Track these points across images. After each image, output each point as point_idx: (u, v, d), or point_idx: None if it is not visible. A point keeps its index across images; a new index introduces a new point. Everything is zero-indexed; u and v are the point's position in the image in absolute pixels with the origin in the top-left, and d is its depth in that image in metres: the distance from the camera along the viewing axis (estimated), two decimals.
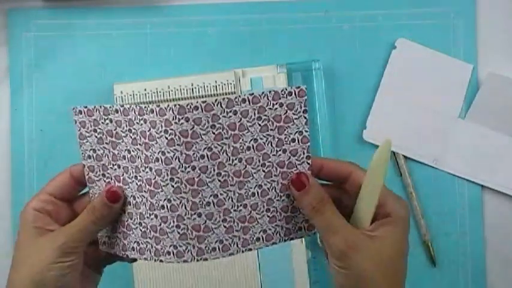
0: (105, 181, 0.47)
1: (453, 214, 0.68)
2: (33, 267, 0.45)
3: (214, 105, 0.43)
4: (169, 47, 0.68)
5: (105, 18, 0.68)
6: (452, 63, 0.68)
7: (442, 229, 0.67)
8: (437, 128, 0.67)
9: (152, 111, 0.43)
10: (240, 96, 0.44)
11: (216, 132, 0.44)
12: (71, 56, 0.68)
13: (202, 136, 0.43)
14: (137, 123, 0.44)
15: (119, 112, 0.45)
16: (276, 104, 0.44)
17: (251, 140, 0.45)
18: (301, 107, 0.45)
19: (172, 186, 0.44)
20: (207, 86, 0.66)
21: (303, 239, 0.65)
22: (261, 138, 0.45)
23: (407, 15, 0.69)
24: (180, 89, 0.66)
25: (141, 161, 0.45)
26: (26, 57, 0.68)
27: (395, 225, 0.44)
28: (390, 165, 0.68)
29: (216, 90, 0.66)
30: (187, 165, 0.44)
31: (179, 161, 0.43)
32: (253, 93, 0.44)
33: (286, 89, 0.44)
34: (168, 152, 0.43)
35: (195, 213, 0.44)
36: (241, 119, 0.44)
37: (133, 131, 0.45)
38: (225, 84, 0.66)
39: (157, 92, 0.66)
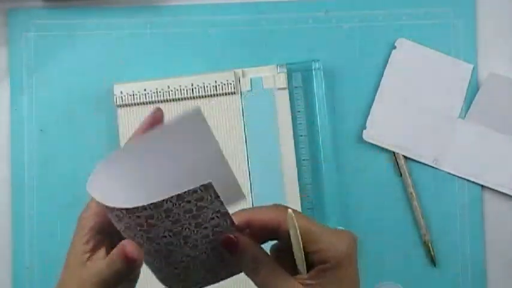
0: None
1: (453, 214, 0.68)
2: None
3: (164, 201, 0.41)
4: (169, 47, 0.68)
5: (105, 18, 0.68)
6: (452, 63, 0.68)
7: (442, 229, 0.67)
8: (437, 128, 0.67)
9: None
10: (139, 206, 0.41)
11: (125, 226, 0.43)
12: (71, 56, 0.68)
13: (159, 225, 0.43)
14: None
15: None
16: (183, 202, 0.42)
17: (165, 231, 0.43)
18: (211, 196, 0.42)
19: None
20: (207, 86, 0.66)
21: None
22: (176, 228, 0.43)
23: (407, 15, 0.69)
24: (180, 89, 0.66)
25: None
26: (26, 57, 0.68)
27: (334, 269, 0.41)
28: (390, 165, 0.68)
29: (216, 90, 0.66)
30: (151, 242, 0.44)
31: (143, 239, 0.43)
32: (153, 202, 0.41)
33: (190, 190, 0.41)
34: (130, 233, 0.44)
35: (171, 267, 0.45)
36: (147, 220, 0.42)
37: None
38: (225, 84, 0.66)
39: (157, 92, 0.66)
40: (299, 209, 0.66)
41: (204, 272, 0.46)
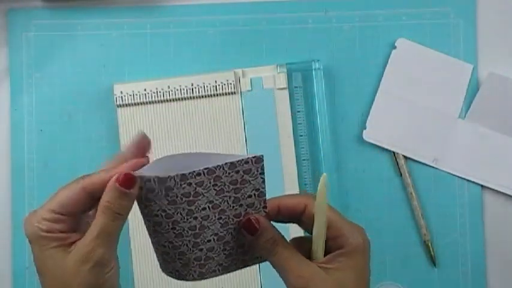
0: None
1: (453, 214, 0.68)
2: None
3: (168, 179, 0.44)
4: (169, 47, 0.68)
5: (105, 18, 0.68)
6: (452, 63, 0.68)
7: (442, 229, 0.67)
8: (437, 128, 0.67)
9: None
10: (194, 171, 0.45)
11: (170, 199, 0.45)
12: (71, 56, 0.68)
13: (157, 201, 0.45)
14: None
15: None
16: (232, 172, 0.46)
17: (206, 202, 0.46)
18: (257, 171, 0.46)
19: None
20: (207, 86, 0.66)
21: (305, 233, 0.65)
22: (216, 200, 0.46)
23: (407, 15, 0.69)
24: (180, 89, 0.66)
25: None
26: (26, 57, 0.68)
27: (350, 256, 0.43)
28: (390, 165, 0.68)
29: (216, 90, 0.66)
30: (189, 217, 0.46)
31: (181, 214, 0.46)
32: (208, 167, 0.45)
33: (243, 159, 0.45)
34: (168, 209, 0.46)
35: (196, 249, 0.47)
36: (195, 188, 0.45)
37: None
38: (225, 84, 0.66)
39: (157, 92, 0.66)
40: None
41: (223, 258, 0.48)
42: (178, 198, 0.45)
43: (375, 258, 0.67)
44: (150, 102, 0.66)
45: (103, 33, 0.68)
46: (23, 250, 0.66)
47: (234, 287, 0.66)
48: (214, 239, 0.48)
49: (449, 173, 0.68)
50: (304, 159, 0.66)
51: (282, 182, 0.66)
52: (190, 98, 0.66)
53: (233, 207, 0.47)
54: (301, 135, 0.66)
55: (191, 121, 0.67)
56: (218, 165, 0.45)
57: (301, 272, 0.43)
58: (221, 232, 0.47)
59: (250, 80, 0.67)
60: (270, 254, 0.44)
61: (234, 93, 0.66)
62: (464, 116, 0.68)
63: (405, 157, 0.67)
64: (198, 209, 0.46)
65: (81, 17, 0.68)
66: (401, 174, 0.67)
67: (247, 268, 0.65)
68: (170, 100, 0.66)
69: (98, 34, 0.68)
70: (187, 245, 0.47)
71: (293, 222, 0.47)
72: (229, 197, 0.47)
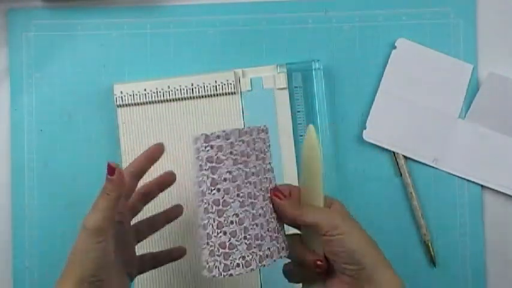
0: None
1: (453, 214, 0.68)
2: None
3: (231, 134, 0.48)
4: (169, 47, 0.68)
5: (105, 18, 0.68)
6: (452, 63, 0.68)
7: (442, 229, 0.67)
8: (437, 128, 0.67)
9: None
10: (251, 128, 0.50)
11: (233, 158, 0.48)
12: (71, 56, 0.68)
13: (224, 161, 0.48)
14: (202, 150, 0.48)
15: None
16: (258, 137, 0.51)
17: (252, 166, 0.50)
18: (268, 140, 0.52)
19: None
20: (207, 86, 0.66)
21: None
22: (258, 166, 0.51)
23: (407, 15, 0.69)
24: (180, 89, 0.66)
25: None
26: (26, 57, 0.68)
27: (354, 223, 0.51)
28: (390, 165, 0.68)
29: (216, 90, 0.66)
30: (213, 188, 0.48)
31: (206, 184, 0.47)
32: (249, 126, 0.50)
33: (257, 127, 0.51)
34: (198, 177, 0.48)
35: (219, 231, 0.48)
36: (246, 148, 0.49)
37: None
38: (225, 84, 0.66)
39: (157, 92, 0.66)
40: None
41: (245, 247, 0.48)
42: (238, 156, 0.49)
43: None
44: (150, 102, 0.66)
45: (103, 33, 0.68)
46: (23, 250, 0.66)
47: (234, 287, 0.66)
48: (261, 213, 0.50)
49: (449, 173, 0.68)
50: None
51: (282, 181, 0.66)
52: (190, 98, 0.66)
53: (264, 175, 0.51)
54: (301, 135, 0.66)
55: (191, 121, 0.67)
56: (261, 126, 0.51)
57: (328, 220, 0.49)
58: (264, 206, 0.50)
59: (250, 80, 0.67)
60: (294, 209, 0.50)
61: (234, 93, 0.66)
62: (464, 116, 0.68)
63: (405, 157, 0.67)
64: (249, 173, 0.50)
65: (81, 17, 0.68)
66: (401, 174, 0.67)
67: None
68: (170, 100, 0.66)
69: (98, 34, 0.68)
70: (248, 218, 0.49)
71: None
72: (263, 162, 0.51)
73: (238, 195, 0.48)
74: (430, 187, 0.68)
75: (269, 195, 0.51)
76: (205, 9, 0.68)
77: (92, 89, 0.68)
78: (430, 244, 0.67)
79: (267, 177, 0.51)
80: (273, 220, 0.51)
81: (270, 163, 0.52)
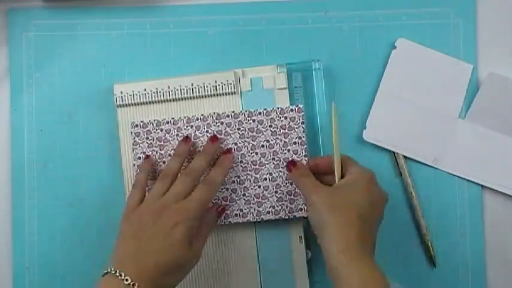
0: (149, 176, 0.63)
1: (453, 214, 0.68)
2: None
3: (240, 114, 0.64)
4: (169, 47, 0.68)
5: (105, 18, 0.68)
6: (452, 63, 0.68)
7: (442, 229, 0.67)
8: (437, 128, 0.67)
9: (197, 119, 0.64)
10: (257, 110, 0.64)
11: (240, 133, 0.64)
12: (71, 56, 0.68)
13: (231, 135, 0.64)
14: (185, 129, 0.65)
15: (169, 123, 0.64)
16: (282, 117, 0.64)
17: (264, 140, 0.64)
18: (300, 120, 0.64)
19: None
20: (207, 86, 0.66)
21: (303, 239, 0.65)
22: (272, 140, 0.64)
23: (407, 15, 0.69)
24: (180, 89, 0.66)
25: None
26: (26, 57, 0.68)
27: (349, 180, 0.59)
28: (390, 165, 0.68)
29: (216, 90, 0.66)
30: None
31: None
32: (266, 108, 0.64)
33: (289, 107, 0.64)
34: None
35: (223, 188, 0.64)
36: (258, 125, 0.64)
37: (180, 135, 0.65)
38: (225, 84, 0.66)
39: (157, 92, 0.66)
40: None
41: (275, 200, 0.64)
42: (246, 131, 0.64)
43: (375, 258, 0.67)
44: (150, 102, 0.66)
45: (103, 33, 0.68)
46: (23, 250, 0.66)
47: (235, 286, 0.66)
48: (269, 178, 0.64)
49: (449, 173, 0.68)
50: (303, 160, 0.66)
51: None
52: (190, 98, 0.66)
53: (283, 150, 0.64)
54: (273, 157, 0.66)
55: None
56: (273, 108, 0.64)
57: (315, 189, 0.59)
58: (274, 173, 0.64)
59: (250, 80, 0.67)
60: (295, 178, 0.62)
61: (234, 93, 0.66)
62: (464, 116, 0.68)
63: (405, 157, 0.67)
64: (259, 145, 0.64)
65: (81, 17, 0.68)
66: (401, 174, 0.67)
67: (247, 268, 0.66)
68: (170, 100, 0.66)
69: (98, 34, 0.68)
70: (249, 180, 0.64)
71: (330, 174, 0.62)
72: (280, 140, 0.64)
73: (273, 158, 0.64)
74: (430, 187, 0.68)
75: (285, 164, 0.63)
76: (205, 9, 0.68)
77: (92, 89, 0.68)
78: (430, 244, 0.67)
79: (289, 149, 0.63)
80: (289, 185, 0.64)
81: (298, 138, 0.63)
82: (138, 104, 0.66)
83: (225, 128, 0.64)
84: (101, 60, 0.68)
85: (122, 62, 0.68)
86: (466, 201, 0.68)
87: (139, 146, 0.64)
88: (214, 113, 0.64)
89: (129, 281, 0.53)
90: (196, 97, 0.66)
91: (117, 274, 0.53)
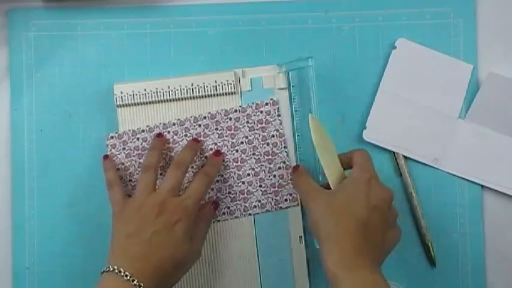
0: (131, 185, 0.65)
1: (453, 214, 0.68)
2: None
3: (216, 114, 0.65)
4: (169, 47, 0.68)
5: (105, 18, 0.68)
6: (452, 63, 0.68)
7: (442, 229, 0.67)
8: (437, 128, 0.67)
9: (174, 123, 0.65)
10: (233, 108, 0.65)
11: (218, 133, 0.65)
12: (71, 56, 0.68)
13: (210, 136, 0.65)
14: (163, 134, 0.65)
15: (145, 131, 0.65)
16: (258, 111, 0.65)
17: (243, 137, 0.65)
18: (275, 113, 0.65)
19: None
20: (207, 86, 0.66)
21: (303, 239, 0.65)
22: (250, 136, 0.65)
23: (407, 15, 0.69)
24: (180, 89, 0.66)
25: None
26: (26, 57, 0.68)
27: (347, 185, 0.57)
28: (390, 165, 0.68)
29: (216, 90, 0.66)
30: (201, 156, 0.65)
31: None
32: (241, 106, 0.65)
33: (264, 101, 0.65)
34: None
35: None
36: (235, 123, 0.65)
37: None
38: (225, 84, 0.66)
39: (157, 92, 0.66)
40: (298, 209, 0.66)
41: (260, 194, 0.65)
42: (224, 130, 0.65)
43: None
44: (150, 102, 0.66)
45: (103, 33, 0.68)
46: (23, 250, 0.66)
47: (235, 286, 0.66)
48: (252, 173, 0.65)
49: (449, 173, 0.68)
50: (302, 160, 0.66)
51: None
52: (190, 98, 0.66)
53: (262, 145, 0.65)
54: (299, 135, 0.66)
55: None
56: (249, 105, 0.65)
57: (312, 197, 0.57)
58: (256, 168, 0.65)
59: (250, 80, 0.67)
60: (295, 183, 0.61)
61: (234, 93, 0.66)
62: (464, 116, 0.68)
63: (405, 157, 0.67)
64: (238, 142, 0.65)
65: (81, 17, 0.68)
66: (401, 174, 0.67)
67: (247, 268, 0.65)
68: (170, 100, 0.66)
69: (98, 34, 0.68)
70: (233, 177, 0.65)
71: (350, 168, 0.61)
72: (259, 135, 0.65)
73: (254, 154, 0.65)
74: (430, 187, 0.68)
75: (267, 157, 0.65)
76: (205, 9, 0.68)
77: (92, 89, 0.68)
78: (430, 244, 0.67)
79: (268, 143, 0.65)
80: (272, 178, 0.65)
81: (275, 131, 0.64)
82: (138, 104, 0.66)
83: (203, 130, 0.65)
84: (101, 60, 0.68)
85: (122, 62, 0.68)
86: (466, 201, 0.68)
87: (117, 157, 0.65)
88: (191, 117, 0.65)
89: (134, 280, 0.53)
90: (196, 97, 0.66)
91: (120, 272, 0.54)
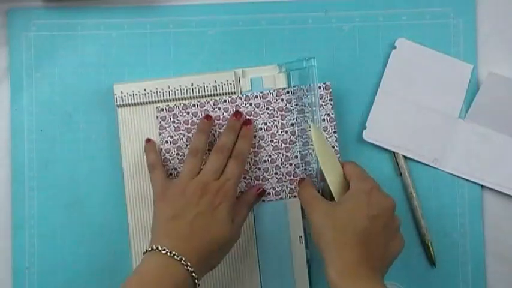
0: (178, 159, 0.65)
1: (453, 214, 0.68)
2: None
3: (268, 94, 0.66)
4: (169, 47, 0.68)
5: (105, 18, 0.68)
6: (452, 63, 0.68)
7: (442, 229, 0.67)
8: (437, 128, 0.67)
9: (225, 101, 0.66)
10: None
11: (269, 113, 0.65)
12: (71, 56, 0.68)
13: (261, 115, 0.66)
14: (212, 111, 0.66)
15: (196, 106, 0.66)
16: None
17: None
18: (328, 97, 0.65)
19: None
20: (207, 86, 0.66)
21: (303, 239, 0.65)
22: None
23: (407, 15, 0.69)
24: (180, 89, 0.66)
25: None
26: (26, 57, 0.68)
27: (348, 197, 0.58)
28: (390, 165, 0.68)
29: (216, 90, 0.66)
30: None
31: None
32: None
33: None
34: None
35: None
36: (254, 109, 0.65)
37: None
38: (225, 84, 0.66)
39: (157, 92, 0.66)
40: (298, 209, 0.66)
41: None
42: (275, 111, 0.65)
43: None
44: (150, 102, 0.66)
45: (103, 33, 0.68)
46: (23, 250, 0.66)
47: (235, 286, 0.66)
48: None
49: (449, 173, 0.68)
50: (303, 159, 0.66)
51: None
52: (190, 98, 0.66)
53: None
54: (299, 135, 0.66)
55: None
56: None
57: (314, 208, 0.58)
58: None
59: (250, 80, 0.67)
60: (299, 193, 0.62)
61: (234, 93, 0.66)
62: (464, 116, 0.68)
63: (405, 157, 0.67)
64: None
65: (81, 17, 0.68)
66: (401, 174, 0.67)
67: (247, 268, 0.65)
68: (170, 100, 0.66)
69: (98, 34, 0.68)
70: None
71: None
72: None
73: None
74: (430, 187, 0.68)
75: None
76: (205, 9, 0.68)
77: (92, 89, 0.68)
78: (430, 244, 0.67)
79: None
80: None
81: (324, 115, 0.65)
82: (138, 104, 0.66)
83: (254, 109, 0.65)
84: (101, 60, 0.68)
85: (122, 62, 0.68)
86: (466, 201, 0.68)
87: (166, 130, 0.65)
88: (243, 95, 0.65)
89: (179, 257, 0.54)
90: (196, 97, 0.66)
91: (164, 251, 0.54)
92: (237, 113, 0.65)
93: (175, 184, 0.60)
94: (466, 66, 0.68)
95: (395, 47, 0.68)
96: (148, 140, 0.65)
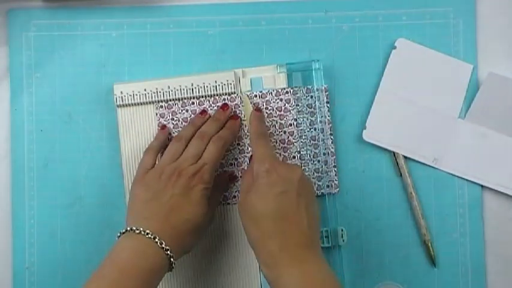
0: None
1: (453, 214, 0.68)
2: None
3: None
4: (169, 47, 0.68)
5: (105, 18, 0.68)
6: (452, 63, 0.68)
7: (442, 229, 0.67)
8: (437, 128, 0.67)
9: (224, 99, 0.66)
10: (284, 89, 0.66)
11: (268, 112, 0.66)
12: (71, 56, 0.68)
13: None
14: (210, 110, 0.66)
15: (195, 103, 0.66)
16: (308, 96, 0.66)
17: (292, 119, 0.66)
18: (324, 99, 0.66)
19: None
20: (207, 86, 0.66)
21: None
22: (299, 119, 0.66)
23: (407, 15, 0.69)
24: (180, 89, 0.66)
25: None
26: (26, 57, 0.68)
27: (252, 185, 0.56)
28: (390, 165, 0.68)
29: (216, 90, 0.66)
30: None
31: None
32: (292, 87, 0.66)
33: (315, 86, 0.66)
34: None
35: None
36: (285, 104, 0.66)
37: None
38: (225, 84, 0.66)
39: (157, 92, 0.66)
40: None
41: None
42: (274, 111, 0.66)
43: (375, 258, 0.67)
44: (150, 102, 0.66)
45: (103, 33, 0.68)
46: (23, 250, 0.66)
47: (235, 286, 0.66)
48: (297, 156, 0.66)
49: (449, 173, 0.68)
50: (302, 160, 0.66)
51: None
52: (190, 98, 0.66)
53: (310, 129, 0.66)
54: (298, 136, 0.66)
55: None
56: (299, 87, 0.66)
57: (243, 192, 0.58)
58: (302, 151, 0.66)
59: (250, 80, 0.67)
60: (252, 143, 0.60)
61: (234, 93, 0.66)
62: (464, 116, 0.68)
63: (405, 157, 0.67)
64: (286, 124, 0.66)
65: (81, 17, 0.68)
66: (401, 174, 0.67)
67: (247, 268, 0.65)
68: (170, 100, 0.66)
69: (98, 34, 0.68)
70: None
71: None
72: (307, 119, 0.66)
73: (302, 137, 0.66)
74: (430, 187, 0.68)
75: (314, 142, 0.66)
76: (205, 9, 0.68)
77: (92, 89, 0.68)
78: (430, 244, 0.67)
79: (315, 128, 0.66)
80: (316, 163, 0.66)
81: (323, 117, 0.65)
82: (138, 104, 0.66)
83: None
84: (101, 60, 0.68)
85: (122, 62, 0.68)
86: (466, 201, 0.68)
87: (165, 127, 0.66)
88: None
89: (156, 238, 0.54)
90: (196, 97, 0.66)
91: (138, 230, 0.54)
92: (225, 105, 0.65)
93: (155, 168, 0.61)
94: (466, 66, 0.68)
95: (395, 47, 0.68)
96: (163, 127, 0.66)
